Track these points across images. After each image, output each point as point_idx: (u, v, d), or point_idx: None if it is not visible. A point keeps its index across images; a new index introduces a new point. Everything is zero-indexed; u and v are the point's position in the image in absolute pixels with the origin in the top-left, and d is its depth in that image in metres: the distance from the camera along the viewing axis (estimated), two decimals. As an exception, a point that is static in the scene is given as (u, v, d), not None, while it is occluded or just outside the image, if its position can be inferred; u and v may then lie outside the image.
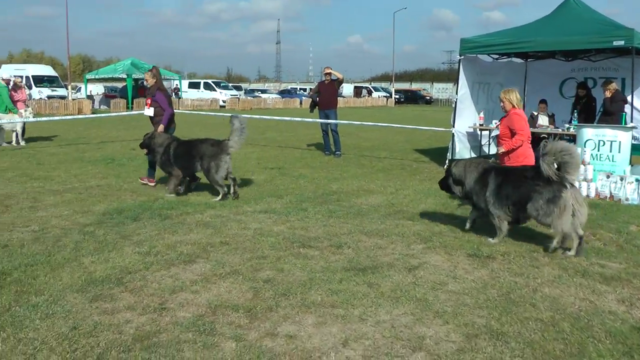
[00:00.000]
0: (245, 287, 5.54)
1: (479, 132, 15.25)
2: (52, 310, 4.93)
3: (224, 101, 48.84)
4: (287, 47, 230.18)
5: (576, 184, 7.03)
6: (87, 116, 27.61)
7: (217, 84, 53.96)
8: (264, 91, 70.37)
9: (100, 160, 14.09)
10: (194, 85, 53.80)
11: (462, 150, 14.92)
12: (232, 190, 9.73)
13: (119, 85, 53.43)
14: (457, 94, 14.86)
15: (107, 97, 45.74)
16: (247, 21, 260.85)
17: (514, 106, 8.34)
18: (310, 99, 17.25)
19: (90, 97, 43.89)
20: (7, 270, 5.93)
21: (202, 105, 45.88)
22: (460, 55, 14.14)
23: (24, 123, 17.96)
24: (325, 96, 15.63)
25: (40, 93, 40.46)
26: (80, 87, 52.65)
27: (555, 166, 6.67)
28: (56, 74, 45.67)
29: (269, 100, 54.07)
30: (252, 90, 68.72)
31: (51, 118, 24.24)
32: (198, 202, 9.34)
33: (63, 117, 24.23)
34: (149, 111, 10.60)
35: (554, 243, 6.80)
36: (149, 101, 10.66)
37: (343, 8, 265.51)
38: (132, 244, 6.93)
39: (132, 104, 40.63)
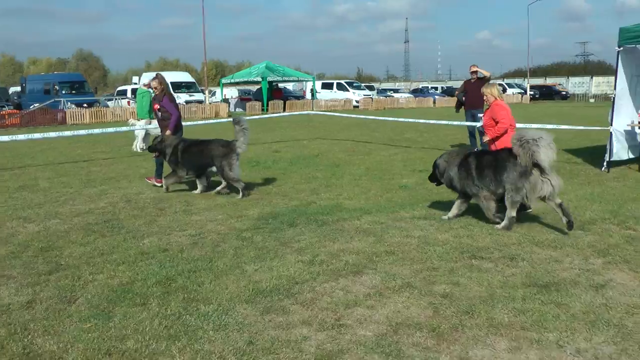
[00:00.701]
0: (423, 302, 5.11)
1: (638, 131, 13.96)
2: (224, 322, 4.75)
3: (357, 101, 48.62)
4: (415, 45, 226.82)
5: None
6: (223, 120, 28.20)
7: (350, 84, 53.86)
8: (395, 90, 69.59)
9: (245, 163, 14.11)
10: (327, 86, 53.99)
11: (620, 151, 13.71)
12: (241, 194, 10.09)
13: (252, 88, 54.77)
14: (615, 89, 13.64)
15: (242, 100, 46.93)
16: (374, 21, 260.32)
17: (495, 98, 9.07)
18: (456, 99, 16.55)
19: (225, 100, 45.14)
20: (171, 276, 5.86)
21: (335, 106, 45.94)
22: (618, 47, 12.95)
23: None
24: (472, 95, 14.91)
25: (178, 98, 42.01)
26: (215, 92, 54.43)
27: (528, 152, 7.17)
28: (193, 80, 47.37)
29: (401, 99, 53.35)
30: (384, 90, 68.06)
31: (195, 122, 24.96)
32: (353, 208, 9.01)
33: (199, 122, 24.88)
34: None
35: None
36: (156, 106, 11.01)
37: (470, 4, 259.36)
38: (294, 252, 6.69)
39: (268, 106, 41.35)
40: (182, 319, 4.81)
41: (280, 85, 51.33)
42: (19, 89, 48.77)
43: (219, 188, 10.54)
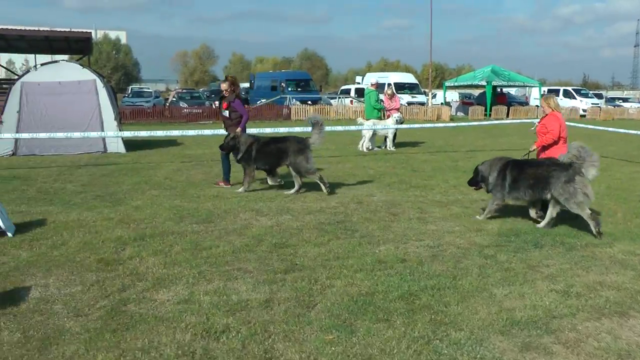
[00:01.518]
0: None
1: None
2: (479, 354, 4.22)
3: (584, 110, 45.19)
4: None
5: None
6: (446, 125, 27.51)
7: (577, 91, 50.31)
8: (625, 99, 63.68)
9: (475, 170, 13.42)
10: (552, 93, 50.95)
11: None
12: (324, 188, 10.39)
13: (473, 92, 53.27)
14: None
15: (464, 104, 45.80)
16: (601, 23, 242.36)
17: (552, 109, 9.24)
18: None
19: (447, 104, 44.35)
20: (414, 292, 5.41)
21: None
22: None
23: (396, 129, 18.30)
24: None
25: (401, 99, 42.01)
26: (435, 94, 53.77)
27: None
28: (416, 82, 47.13)
29: (631, 109, 48.43)
30: (612, 99, 62.56)
31: (421, 126, 24.64)
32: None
33: (423, 125, 24.41)
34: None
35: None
36: (225, 106, 11.28)
37: None
38: (544, 278, 5.93)
39: (491, 111, 39.90)
40: (432, 344, 4.33)
41: (504, 90, 49.38)
42: (247, 85, 51.81)
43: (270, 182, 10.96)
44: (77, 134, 14.80)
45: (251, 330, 4.58)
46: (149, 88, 54.09)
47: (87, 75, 17.17)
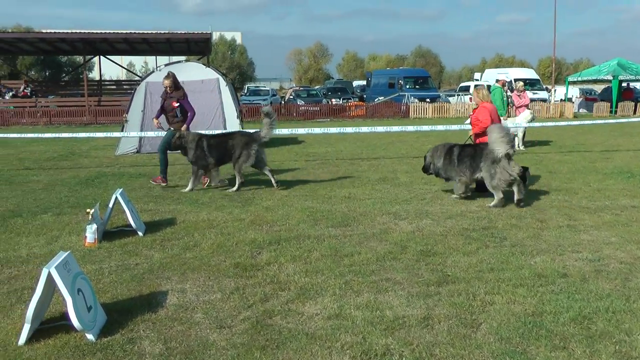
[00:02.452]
0: None
1: None
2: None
3: None
4: None
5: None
6: (569, 123, 26.12)
7: None
8: None
9: (616, 173, 12.44)
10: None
11: None
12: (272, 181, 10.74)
13: (595, 87, 50.66)
14: None
15: (588, 100, 43.56)
16: None
17: (482, 100, 10.49)
18: None
19: (569, 100, 42.27)
20: (587, 314, 4.86)
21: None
22: None
23: (525, 127, 17.47)
24: None
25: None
26: (555, 90, 51.47)
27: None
28: (537, 77, 45.32)
29: None
30: None
31: (542, 124, 23.49)
32: None
33: (544, 124, 23.22)
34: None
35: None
36: (174, 104, 11.19)
37: None
38: None
39: (617, 108, 37.66)
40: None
41: (631, 85, 46.51)
42: (361, 82, 51.65)
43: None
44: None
45: (415, 353, 4.20)
46: (264, 86, 55.00)
47: (210, 74, 17.43)
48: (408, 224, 7.99)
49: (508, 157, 9.02)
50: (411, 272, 6.01)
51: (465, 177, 9.45)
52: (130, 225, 7.50)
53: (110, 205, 7.63)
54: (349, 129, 16.75)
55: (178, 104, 11.16)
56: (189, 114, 11.22)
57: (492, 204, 9.10)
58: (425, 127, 17.24)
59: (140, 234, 7.48)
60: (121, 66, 48.87)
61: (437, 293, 5.39)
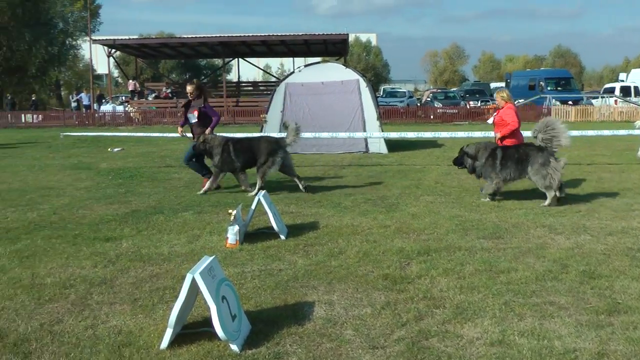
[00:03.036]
0: None
1: None
2: None
3: None
4: None
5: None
6: None
7: None
8: None
9: None
10: None
11: None
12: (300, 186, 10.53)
13: None
14: None
15: None
16: None
17: (506, 102, 10.42)
18: None
19: None
20: None
21: None
22: None
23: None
24: None
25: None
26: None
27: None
28: None
29: None
30: None
31: None
32: None
33: None
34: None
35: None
36: (195, 112, 11.00)
37: None
38: None
39: None
40: None
41: None
42: (498, 84, 50.06)
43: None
44: (342, 134, 14.74)
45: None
46: (400, 88, 54.52)
47: (350, 75, 17.17)
48: (565, 239, 7.21)
49: (552, 154, 9.19)
50: (576, 296, 5.29)
51: (502, 180, 9.48)
52: (271, 228, 7.29)
53: (253, 207, 7.46)
54: (492, 133, 15.85)
55: (198, 112, 11.03)
56: (213, 119, 11.09)
57: (547, 203, 9.13)
58: (575, 132, 16.10)
59: (282, 237, 7.24)
60: (259, 67, 49.92)
61: (609, 324, 4.65)
